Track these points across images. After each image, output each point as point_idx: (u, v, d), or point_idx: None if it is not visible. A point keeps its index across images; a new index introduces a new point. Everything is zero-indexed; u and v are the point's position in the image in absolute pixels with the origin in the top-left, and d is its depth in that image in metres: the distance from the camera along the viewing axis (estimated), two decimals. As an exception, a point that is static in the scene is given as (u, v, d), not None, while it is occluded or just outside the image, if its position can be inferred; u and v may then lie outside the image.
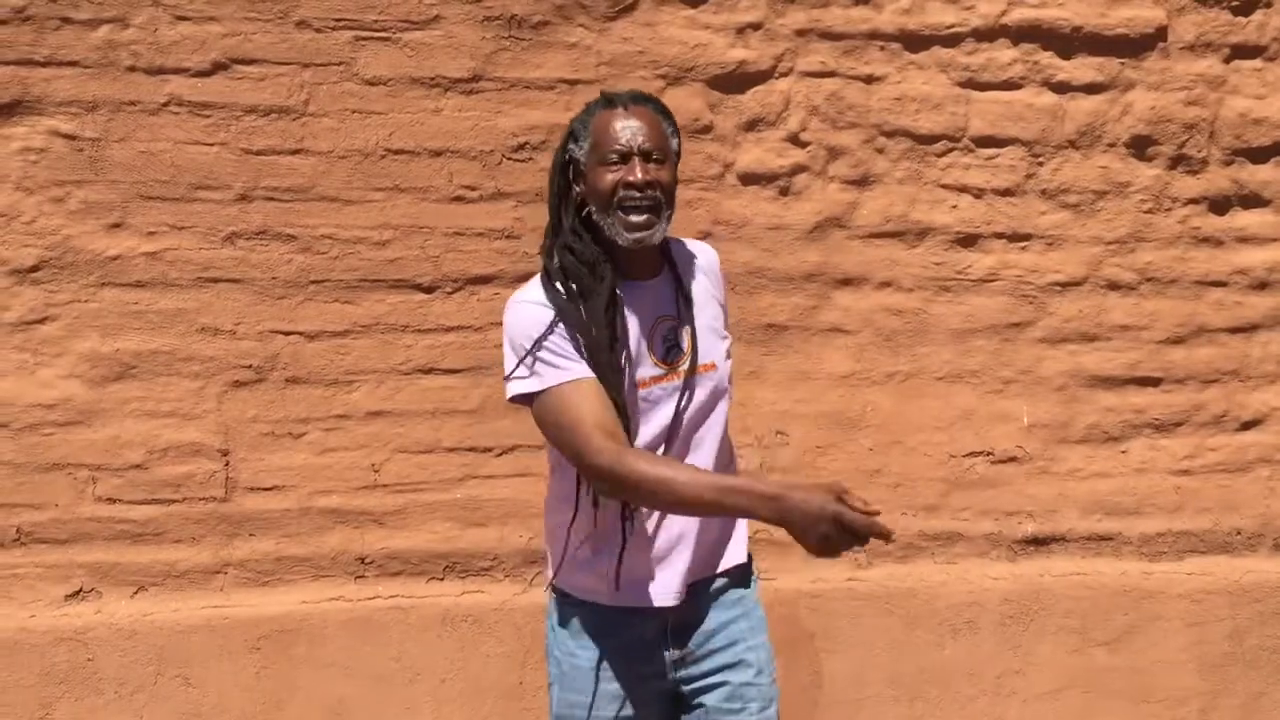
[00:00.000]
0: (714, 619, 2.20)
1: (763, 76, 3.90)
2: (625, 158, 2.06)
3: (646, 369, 2.12)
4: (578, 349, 2.06)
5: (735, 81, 3.88)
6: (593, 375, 2.03)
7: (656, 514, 2.14)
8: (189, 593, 3.60)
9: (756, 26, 3.87)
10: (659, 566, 2.13)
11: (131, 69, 3.54)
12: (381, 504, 3.71)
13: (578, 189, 2.16)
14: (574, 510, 2.17)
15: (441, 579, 3.73)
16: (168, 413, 3.59)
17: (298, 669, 3.56)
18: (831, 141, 3.94)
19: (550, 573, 2.30)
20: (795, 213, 3.94)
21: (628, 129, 2.07)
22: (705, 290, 2.26)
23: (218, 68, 3.58)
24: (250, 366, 3.62)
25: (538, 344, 2.03)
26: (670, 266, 2.24)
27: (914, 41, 3.95)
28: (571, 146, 2.14)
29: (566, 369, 2.02)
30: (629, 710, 2.15)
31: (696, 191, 3.86)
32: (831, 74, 3.93)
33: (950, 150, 4.02)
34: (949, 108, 4.00)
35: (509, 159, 3.75)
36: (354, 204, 3.66)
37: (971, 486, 4.06)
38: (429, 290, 3.71)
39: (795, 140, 3.92)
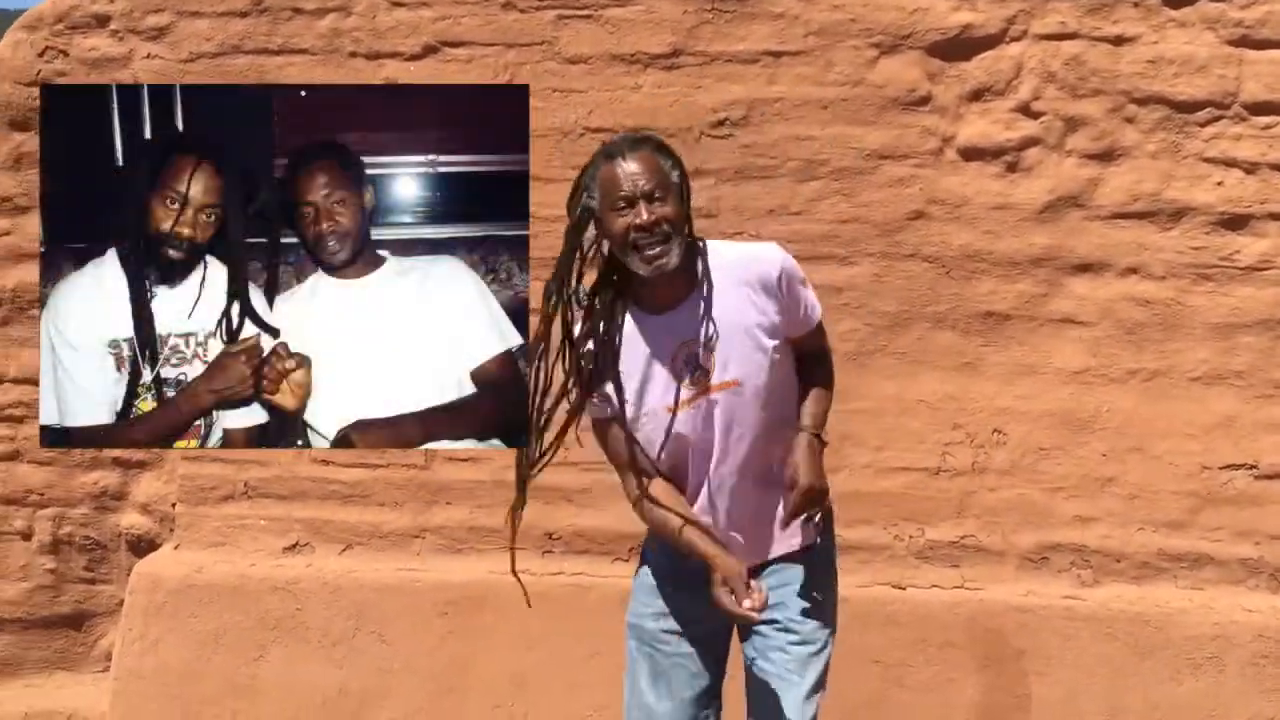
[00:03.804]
0: (773, 578, 2.46)
1: (991, 41, 3.57)
2: (631, 202, 2.27)
3: (678, 394, 2.35)
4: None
5: (958, 48, 3.58)
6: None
7: (721, 508, 2.42)
8: (389, 554, 3.78)
9: (985, -13, 3.55)
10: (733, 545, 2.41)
11: (353, 54, 3.74)
12: (573, 481, 3.72)
13: (597, 234, 2.36)
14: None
15: (626, 560, 3.71)
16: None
17: (482, 637, 3.67)
18: (1070, 111, 3.55)
19: None
20: (1024, 191, 3.59)
21: (629, 176, 2.28)
22: (743, 302, 2.37)
23: (428, 51, 3.71)
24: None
25: None
26: (701, 286, 2.38)
27: (1175, -5, 3.49)
28: (586, 200, 2.34)
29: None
30: (688, 622, 2.46)
31: (910, 168, 3.60)
32: (1072, 35, 3.54)
33: (1217, 119, 3.53)
34: (1216, 70, 3.50)
35: (708, 135, 3.64)
36: (554, 182, 3.67)
37: (1228, 503, 3.56)
38: (625, 269, 3.69)
39: (1026, 111, 3.57)
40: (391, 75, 3.72)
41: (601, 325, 2.35)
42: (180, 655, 3.72)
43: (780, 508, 2.44)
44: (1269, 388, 3.55)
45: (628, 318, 2.37)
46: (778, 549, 2.46)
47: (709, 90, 3.64)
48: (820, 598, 2.46)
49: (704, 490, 2.41)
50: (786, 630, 2.42)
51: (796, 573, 2.46)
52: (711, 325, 2.35)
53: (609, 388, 2.36)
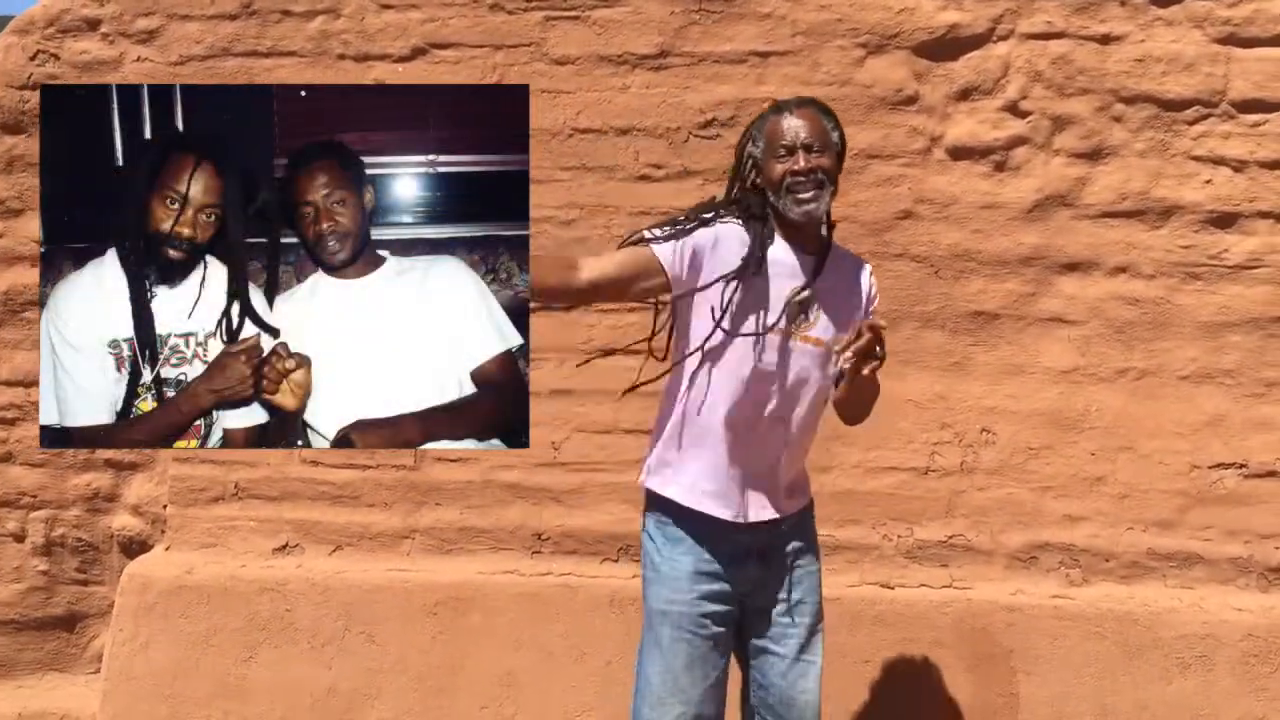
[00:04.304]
0: (790, 554, 2.72)
1: (978, 41, 3.57)
2: (791, 151, 2.54)
3: (775, 320, 2.57)
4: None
5: (946, 47, 3.58)
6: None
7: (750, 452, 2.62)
8: (378, 555, 3.79)
9: (972, -14, 3.55)
10: (750, 492, 2.65)
11: (341, 57, 3.75)
12: (560, 482, 3.73)
13: (758, 181, 2.62)
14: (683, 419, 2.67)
15: (615, 560, 3.71)
16: (366, 383, 3.78)
17: (471, 637, 3.66)
18: (1057, 110, 3.55)
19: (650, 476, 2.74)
20: (1012, 190, 3.59)
21: (792, 128, 2.56)
22: (848, 291, 2.66)
23: (417, 53, 3.72)
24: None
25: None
26: (831, 253, 2.65)
27: (1162, -6, 3.49)
28: (750, 148, 2.63)
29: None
30: (719, 605, 2.64)
31: (898, 168, 3.60)
32: (1059, 35, 3.55)
33: (1205, 117, 3.52)
34: (1204, 68, 3.50)
35: (696, 136, 3.65)
36: (541, 183, 3.69)
37: (1217, 503, 3.55)
38: (614, 270, 3.68)
39: (1014, 110, 3.57)
40: (380, 77, 3.73)
41: (760, 231, 2.57)
42: (170, 656, 3.73)
43: (793, 478, 2.70)
44: (1258, 386, 3.54)
45: (775, 240, 2.59)
46: (785, 509, 2.70)
47: (697, 91, 3.64)
48: (817, 575, 2.76)
49: (741, 426, 2.58)
50: (791, 615, 2.69)
51: (802, 563, 2.73)
52: (831, 287, 2.61)
53: (729, 271, 2.52)
